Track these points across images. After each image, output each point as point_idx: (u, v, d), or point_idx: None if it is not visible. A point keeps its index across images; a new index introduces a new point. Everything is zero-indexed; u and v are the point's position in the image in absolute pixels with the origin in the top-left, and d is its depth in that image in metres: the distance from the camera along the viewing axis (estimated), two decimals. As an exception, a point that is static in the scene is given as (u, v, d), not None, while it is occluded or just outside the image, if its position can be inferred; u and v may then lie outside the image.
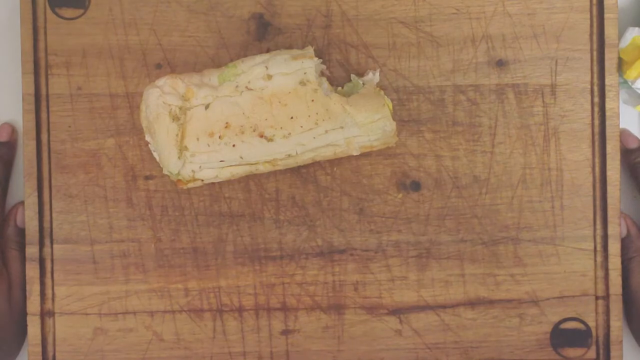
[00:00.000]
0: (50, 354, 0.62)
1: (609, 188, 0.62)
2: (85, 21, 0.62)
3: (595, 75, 0.62)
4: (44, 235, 0.62)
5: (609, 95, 0.62)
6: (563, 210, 0.62)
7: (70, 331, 0.63)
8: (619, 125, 0.62)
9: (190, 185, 0.58)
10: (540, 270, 0.63)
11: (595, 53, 0.62)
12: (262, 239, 0.63)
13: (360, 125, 0.57)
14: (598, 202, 0.62)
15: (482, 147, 0.63)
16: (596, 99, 0.62)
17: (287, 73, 0.57)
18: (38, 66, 0.62)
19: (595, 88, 0.62)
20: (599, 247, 0.62)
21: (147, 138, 0.59)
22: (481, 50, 0.62)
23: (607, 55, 0.62)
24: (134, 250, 0.62)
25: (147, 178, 0.62)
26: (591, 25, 0.62)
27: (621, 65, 0.63)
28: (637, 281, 0.62)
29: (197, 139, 0.57)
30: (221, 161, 0.57)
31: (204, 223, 0.63)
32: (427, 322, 0.63)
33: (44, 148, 0.62)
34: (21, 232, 0.63)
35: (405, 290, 0.63)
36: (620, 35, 0.63)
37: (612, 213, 0.62)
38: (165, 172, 0.58)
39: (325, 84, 0.59)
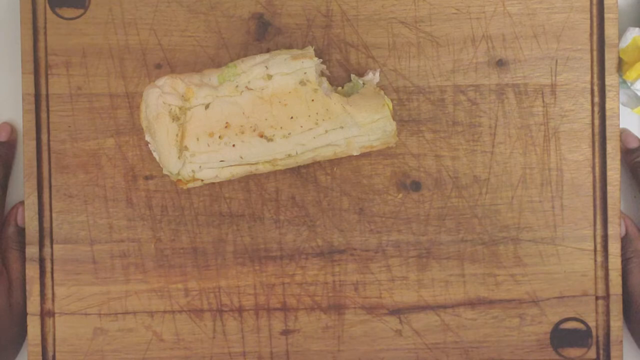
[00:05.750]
0: (50, 354, 0.62)
1: (609, 188, 0.62)
2: (85, 21, 0.62)
3: (595, 75, 0.62)
4: (44, 235, 0.62)
5: (609, 95, 0.62)
6: (563, 210, 0.62)
7: (70, 331, 0.63)
8: (619, 125, 0.62)
9: (190, 185, 0.58)
10: (540, 270, 0.63)
11: (595, 53, 0.62)
12: (262, 239, 0.63)
13: (360, 125, 0.57)
14: (598, 202, 0.62)
15: (482, 147, 0.63)
16: (596, 99, 0.62)
17: (287, 73, 0.57)
18: (38, 66, 0.62)
19: (596, 88, 0.62)
20: (599, 247, 0.63)
21: (147, 138, 0.59)
22: (481, 50, 0.62)
23: (607, 55, 0.62)
24: (134, 250, 0.62)
25: (147, 178, 0.62)
26: (591, 25, 0.62)
27: (621, 66, 0.63)
28: (635, 282, 0.62)
29: (197, 139, 0.57)
30: (221, 161, 0.57)
31: (204, 223, 0.62)
32: (427, 322, 0.63)
33: (44, 148, 0.62)
34: (22, 232, 0.63)
35: (405, 290, 0.63)
36: (620, 35, 0.63)
37: (612, 213, 0.62)
38: (165, 172, 0.58)
39: (325, 84, 0.59)
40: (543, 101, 0.62)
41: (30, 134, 0.62)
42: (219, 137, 0.57)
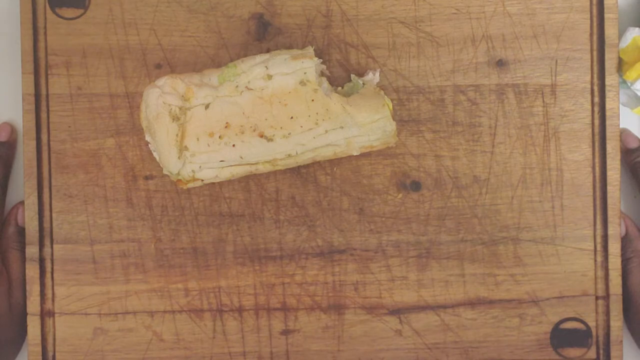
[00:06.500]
0: (50, 354, 0.63)
1: (609, 188, 0.62)
2: (85, 21, 0.62)
3: (595, 75, 0.62)
4: (44, 235, 0.62)
5: (609, 95, 0.62)
6: (563, 210, 0.62)
7: (70, 331, 0.63)
8: (619, 125, 0.62)
9: (190, 185, 0.58)
10: (540, 270, 0.63)
11: (595, 53, 0.62)
12: (262, 239, 0.63)
13: (360, 125, 0.57)
14: (598, 202, 0.62)
15: (482, 147, 0.63)
16: (596, 99, 0.62)
17: (287, 73, 0.57)
18: (38, 66, 0.62)
19: (595, 88, 0.62)
20: (599, 247, 0.62)
21: (147, 138, 0.59)
22: (481, 50, 0.62)
23: (607, 55, 0.62)
24: (134, 250, 0.62)
25: (147, 178, 0.62)
26: (591, 25, 0.62)
27: (621, 66, 0.63)
28: (635, 281, 0.62)
29: (197, 139, 0.57)
30: (221, 161, 0.57)
31: (204, 223, 0.62)
32: (427, 322, 0.63)
33: (44, 148, 0.62)
34: (22, 232, 0.63)
35: (405, 290, 0.63)
36: (620, 35, 0.63)
37: (612, 213, 0.62)
38: (165, 172, 0.59)
39: (325, 84, 0.59)
40: (543, 101, 0.62)
41: (30, 134, 0.62)
42: (219, 137, 0.57)
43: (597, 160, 0.62)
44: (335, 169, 0.63)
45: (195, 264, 0.63)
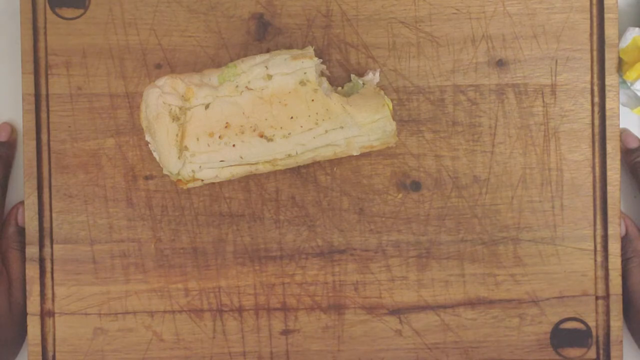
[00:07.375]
0: (50, 354, 0.63)
1: (609, 188, 0.62)
2: (85, 21, 0.62)
3: (595, 75, 0.62)
4: (44, 235, 0.62)
5: (609, 95, 0.62)
6: (563, 210, 0.62)
7: (70, 331, 0.63)
8: (619, 125, 0.62)
9: (190, 185, 0.58)
10: (540, 270, 0.63)
11: (595, 53, 0.62)
12: (262, 239, 0.63)
13: (360, 125, 0.57)
14: (598, 202, 0.62)
15: (482, 147, 0.63)
16: (596, 99, 0.62)
17: (287, 73, 0.57)
18: (38, 66, 0.62)
19: (595, 88, 0.62)
20: (599, 247, 0.63)
21: (147, 138, 0.59)
22: (481, 50, 0.62)
23: (607, 55, 0.62)
24: (134, 250, 0.62)
25: (147, 178, 0.62)
26: (591, 25, 0.62)
27: (621, 66, 0.63)
28: (634, 281, 0.62)
29: (197, 139, 0.57)
30: (221, 161, 0.57)
31: (204, 223, 0.63)
32: (427, 322, 0.63)
33: (44, 148, 0.62)
34: (22, 232, 0.63)
35: (405, 290, 0.63)
36: (620, 35, 0.63)
37: (612, 213, 0.62)
38: (165, 172, 0.59)
39: (325, 84, 0.59)
40: (543, 101, 0.62)
41: (30, 134, 0.62)
42: (219, 137, 0.57)
43: (597, 160, 0.62)
44: (335, 169, 0.63)
45: (195, 264, 0.63)
